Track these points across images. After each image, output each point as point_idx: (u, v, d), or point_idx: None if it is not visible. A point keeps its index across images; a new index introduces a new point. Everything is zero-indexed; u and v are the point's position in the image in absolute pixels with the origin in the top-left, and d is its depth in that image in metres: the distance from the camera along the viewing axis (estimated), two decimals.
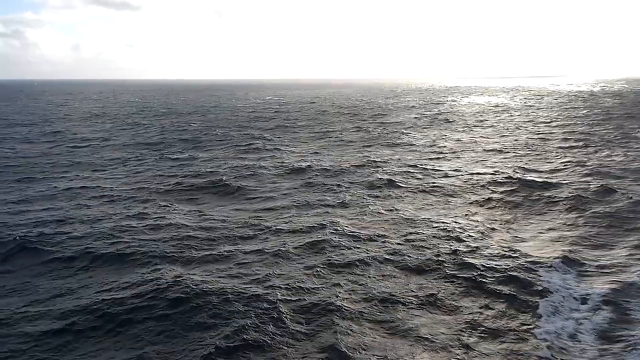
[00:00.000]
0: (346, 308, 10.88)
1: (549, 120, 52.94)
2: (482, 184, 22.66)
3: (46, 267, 13.56)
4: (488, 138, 39.92)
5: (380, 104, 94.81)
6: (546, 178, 23.41)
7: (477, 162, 29.04)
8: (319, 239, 15.20)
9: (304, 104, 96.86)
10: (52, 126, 53.17)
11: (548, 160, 28.79)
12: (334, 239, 15.17)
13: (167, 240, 15.32)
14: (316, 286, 12.09)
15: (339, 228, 16.26)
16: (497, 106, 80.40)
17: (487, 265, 13.16)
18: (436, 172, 25.94)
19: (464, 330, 10.16)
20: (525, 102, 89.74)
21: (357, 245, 14.86)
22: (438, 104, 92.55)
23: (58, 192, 22.21)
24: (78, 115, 69.02)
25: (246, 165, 28.25)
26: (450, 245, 14.66)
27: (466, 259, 13.59)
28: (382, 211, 18.65)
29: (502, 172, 24.79)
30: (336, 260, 13.68)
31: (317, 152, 33.58)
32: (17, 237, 15.10)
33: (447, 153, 32.37)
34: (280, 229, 16.47)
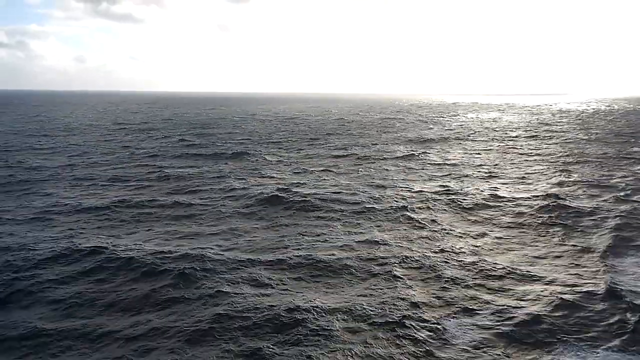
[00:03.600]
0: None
1: (566, 139, 55.18)
2: (523, 204, 22.93)
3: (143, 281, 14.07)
4: (515, 153, 42.24)
5: (394, 118, 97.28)
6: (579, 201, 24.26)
7: (515, 179, 30.57)
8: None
9: (323, 116, 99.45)
10: (118, 136, 55.52)
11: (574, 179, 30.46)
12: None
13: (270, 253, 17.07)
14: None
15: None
16: (511, 123, 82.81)
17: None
18: (471, 187, 28.09)
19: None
20: (537, 119, 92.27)
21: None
22: (452, 118, 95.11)
23: (148, 204, 22.88)
24: (121, 127, 71.46)
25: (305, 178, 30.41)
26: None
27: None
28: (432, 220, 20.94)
29: (542, 191, 25.43)
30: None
31: (362, 162, 36.10)
32: (113, 250, 15.99)
33: (480, 169, 34.33)
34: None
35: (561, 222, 19.96)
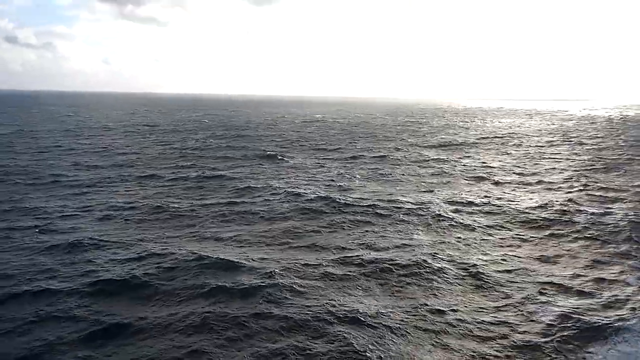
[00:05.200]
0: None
1: (599, 145, 55.22)
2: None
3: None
4: (550, 159, 42.67)
5: (419, 122, 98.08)
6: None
7: (554, 184, 31.18)
8: None
9: (351, 120, 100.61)
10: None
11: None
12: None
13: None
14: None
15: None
16: (541, 129, 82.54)
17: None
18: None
19: None
20: (566, 125, 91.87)
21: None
22: (481, 122, 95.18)
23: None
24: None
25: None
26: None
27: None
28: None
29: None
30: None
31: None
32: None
33: (516, 174, 34.89)
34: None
35: (599, 228, 20.52)
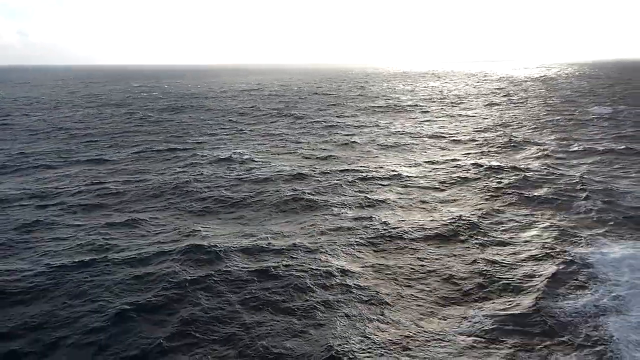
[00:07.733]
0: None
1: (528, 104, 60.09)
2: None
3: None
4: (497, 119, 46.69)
5: (366, 87, 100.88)
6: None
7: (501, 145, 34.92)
8: None
9: (294, 88, 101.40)
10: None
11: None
12: None
13: None
14: None
15: None
16: (482, 91, 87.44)
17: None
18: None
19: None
20: (505, 86, 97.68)
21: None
22: (428, 87, 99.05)
23: None
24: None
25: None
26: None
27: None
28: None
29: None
30: None
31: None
32: None
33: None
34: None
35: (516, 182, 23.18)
